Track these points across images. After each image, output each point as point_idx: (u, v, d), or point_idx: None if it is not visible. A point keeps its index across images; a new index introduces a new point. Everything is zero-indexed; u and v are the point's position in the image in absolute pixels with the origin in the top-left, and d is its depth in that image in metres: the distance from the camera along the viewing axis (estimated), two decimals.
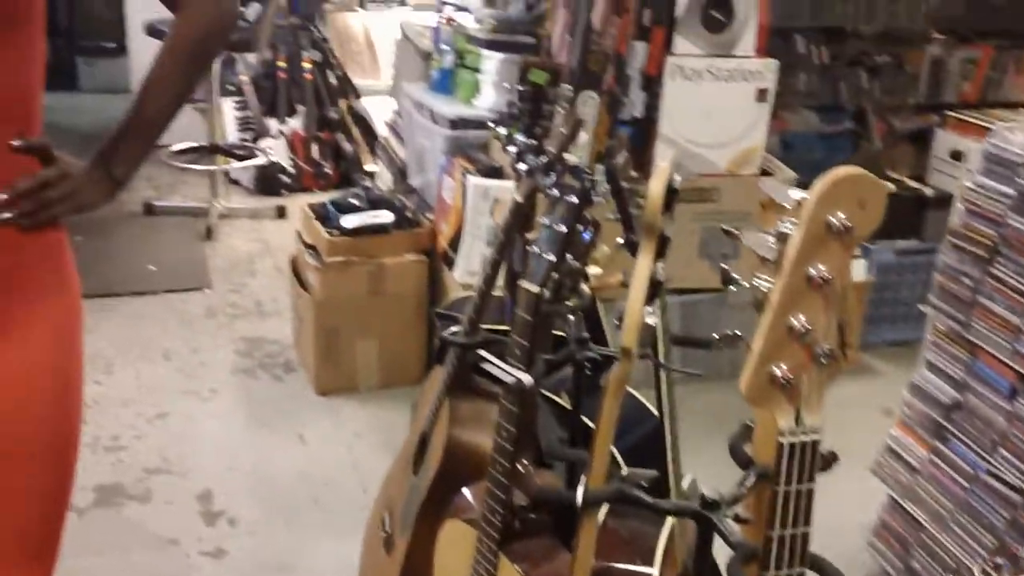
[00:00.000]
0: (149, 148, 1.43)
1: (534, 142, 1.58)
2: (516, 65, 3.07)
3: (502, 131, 1.63)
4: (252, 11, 4.11)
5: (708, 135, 2.83)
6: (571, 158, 1.56)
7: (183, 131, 4.91)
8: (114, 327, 3.37)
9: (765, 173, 2.97)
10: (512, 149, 1.60)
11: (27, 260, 1.30)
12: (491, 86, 3.19)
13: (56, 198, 1.30)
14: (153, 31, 4.13)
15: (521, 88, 1.63)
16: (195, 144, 4.63)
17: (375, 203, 3.12)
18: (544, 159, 1.56)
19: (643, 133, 2.81)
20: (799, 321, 0.81)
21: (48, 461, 1.34)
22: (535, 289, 1.34)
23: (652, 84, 2.78)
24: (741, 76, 2.80)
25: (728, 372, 2.66)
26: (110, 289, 3.61)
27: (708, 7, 2.71)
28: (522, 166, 1.59)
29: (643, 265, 1.09)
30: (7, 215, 1.25)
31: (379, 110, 4.89)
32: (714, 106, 2.80)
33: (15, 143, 1.25)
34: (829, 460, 0.92)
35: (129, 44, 5.42)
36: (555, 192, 1.35)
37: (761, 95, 2.83)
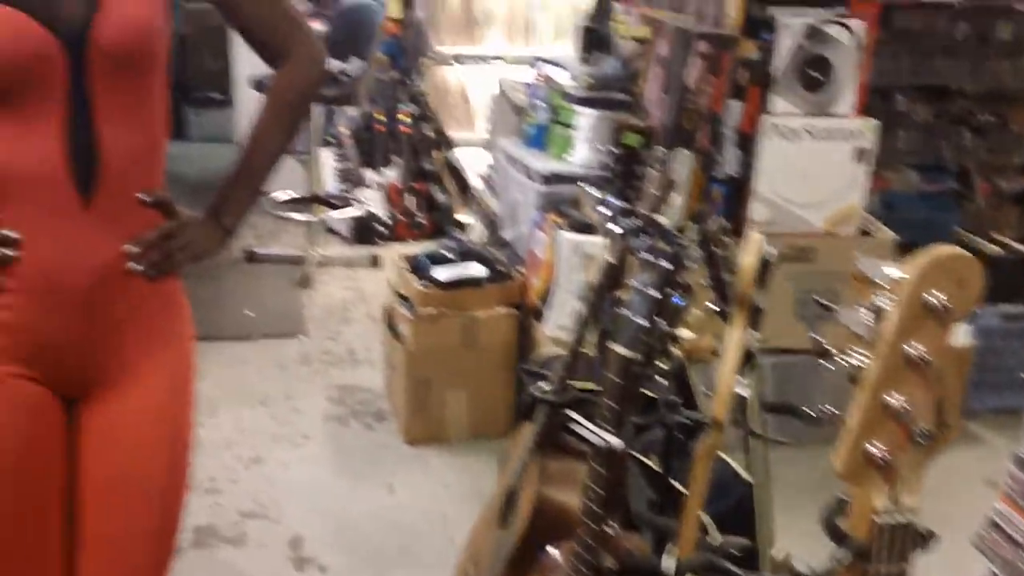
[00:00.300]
0: (255, 197, 1.53)
1: (626, 205, 1.59)
2: (610, 122, 3.09)
3: (595, 193, 1.64)
4: (354, 66, 4.21)
5: (804, 194, 2.81)
6: (662, 219, 1.56)
7: (285, 181, 5.03)
8: (216, 370, 3.44)
9: (864, 233, 2.93)
10: (605, 211, 1.61)
11: (148, 309, 1.39)
12: (585, 142, 3.21)
13: (177, 249, 1.39)
14: (257, 85, 4.25)
15: (615, 150, 1.65)
16: (296, 195, 4.74)
17: (467, 255, 3.15)
18: (636, 221, 1.56)
19: (737, 191, 2.79)
20: (896, 400, 0.80)
21: (161, 503, 1.41)
22: (626, 353, 1.34)
23: (747, 143, 2.76)
24: (839, 135, 2.78)
25: (823, 438, 2.61)
26: (212, 333, 3.70)
27: (805, 66, 2.70)
28: (614, 228, 1.60)
29: (735, 336, 1.09)
30: (137, 266, 1.33)
31: (473, 162, 4.95)
32: (811, 165, 2.78)
33: (142, 197, 1.34)
34: (926, 539, 0.90)
35: (235, 96, 5.61)
36: (647, 256, 1.36)
37: (860, 155, 2.79)
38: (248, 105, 3.89)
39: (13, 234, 1.28)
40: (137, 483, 1.38)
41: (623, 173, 1.67)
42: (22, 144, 1.28)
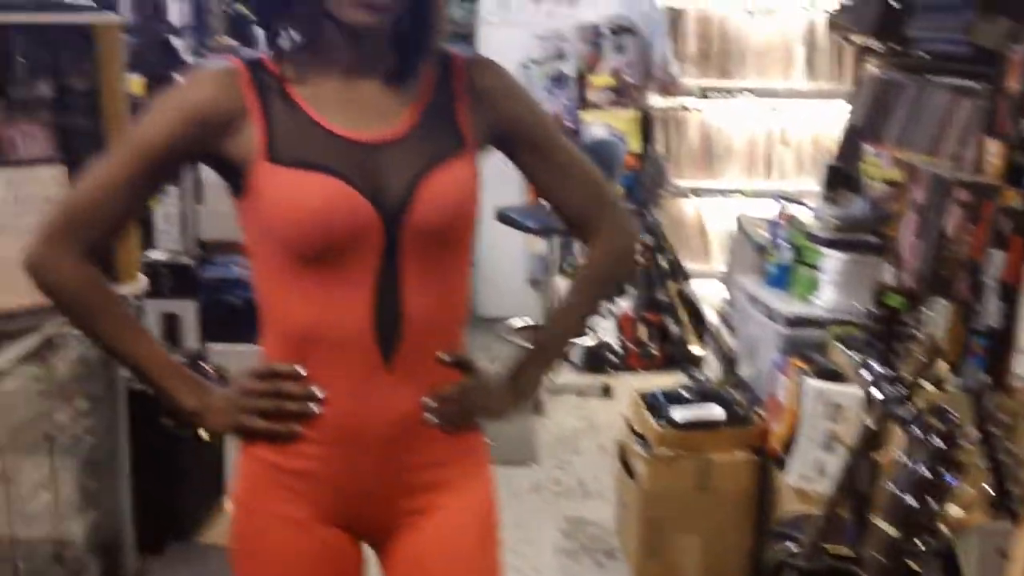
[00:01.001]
0: (553, 365, 1.62)
1: (890, 372, 1.54)
2: (859, 266, 3.02)
3: (856, 357, 1.60)
4: None
5: None
6: (929, 387, 1.51)
7: (520, 308, 5.15)
8: None
9: None
10: (866, 375, 1.57)
11: (447, 454, 1.47)
12: (831, 285, 3.14)
13: (474, 406, 1.48)
14: (503, 218, 4.39)
15: (875, 310, 1.61)
16: (531, 322, 4.84)
17: (705, 396, 3.12)
18: (900, 389, 1.52)
19: (999, 344, 2.66)
20: None
21: None
22: (890, 531, 1.29)
23: (1010, 294, 2.64)
24: None
25: None
26: None
27: None
28: (876, 393, 1.56)
29: None
30: (434, 419, 1.42)
31: (708, 296, 4.93)
32: None
33: (443, 358, 1.43)
34: None
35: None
36: (917, 432, 1.31)
37: None
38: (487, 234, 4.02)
39: (319, 391, 1.39)
40: None
41: (884, 335, 1.63)
42: (334, 306, 1.37)
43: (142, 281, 2.17)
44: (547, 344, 1.58)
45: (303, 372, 1.39)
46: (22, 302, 1.88)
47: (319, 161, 1.34)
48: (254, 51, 3.47)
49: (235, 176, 1.39)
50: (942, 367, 1.64)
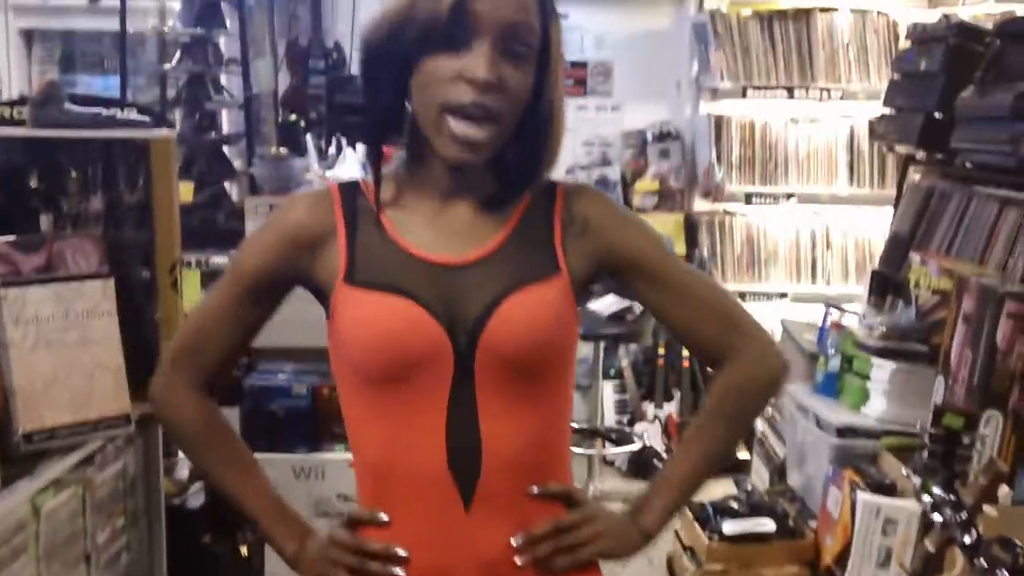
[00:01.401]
0: (684, 502, 1.48)
1: (951, 496, 1.50)
2: (909, 376, 2.97)
3: (916, 480, 1.56)
4: (639, 306, 4.29)
5: None
6: (992, 512, 1.47)
7: None
8: None
9: None
10: (927, 499, 1.53)
11: None
12: (881, 395, 3.09)
13: (579, 543, 1.36)
14: None
15: (934, 431, 1.58)
16: (576, 426, 4.79)
17: (755, 507, 3.05)
18: (961, 514, 1.47)
19: None
20: None
21: None
22: None
23: None
24: None
25: None
26: None
27: None
28: (937, 518, 1.51)
29: None
30: (525, 559, 1.33)
31: None
32: None
33: (536, 491, 1.35)
34: None
35: None
36: (983, 564, 1.27)
37: None
38: None
39: (400, 551, 1.33)
40: None
41: (944, 456, 1.59)
42: (405, 436, 1.33)
43: None
44: (675, 479, 1.44)
45: (385, 518, 1.35)
46: (63, 419, 1.89)
47: (393, 283, 1.32)
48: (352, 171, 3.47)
49: (323, 299, 1.40)
50: (1004, 491, 1.59)
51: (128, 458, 2.13)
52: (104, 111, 2.14)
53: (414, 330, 1.31)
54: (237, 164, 4.96)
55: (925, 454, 1.61)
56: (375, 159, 1.40)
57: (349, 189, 1.42)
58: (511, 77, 1.30)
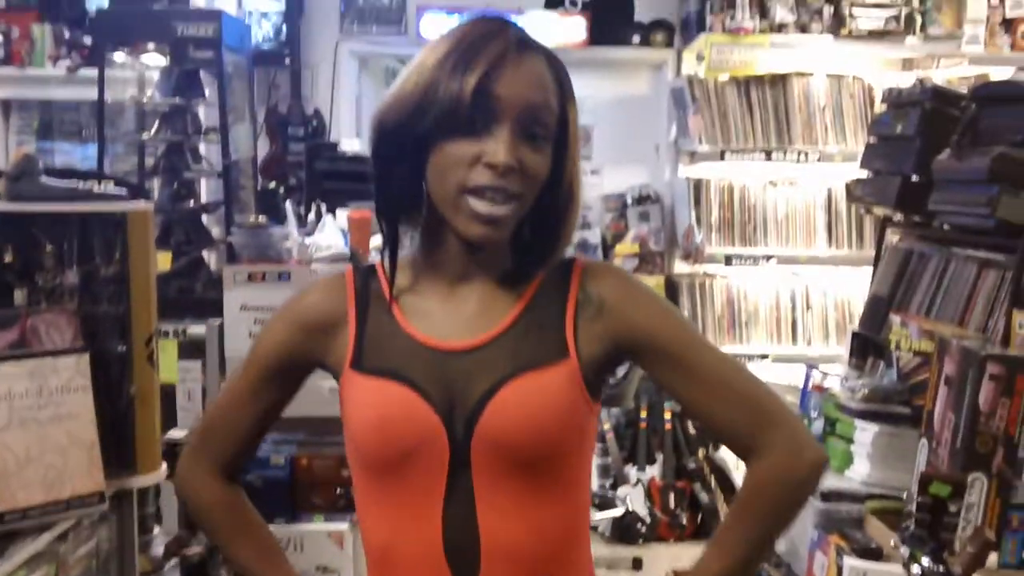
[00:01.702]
0: None
1: (940, 567, 1.48)
2: (893, 438, 2.96)
3: (904, 550, 1.54)
4: (621, 368, 4.27)
5: None
6: None
7: None
8: None
9: None
10: (915, 570, 1.51)
11: None
12: (865, 458, 3.07)
13: None
14: None
15: (920, 500, 1.56)
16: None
17: None
18: None
19: None
20: None
21: None
22: None
23: None
24: None
25: None
26: None
27: None
28: None
29: None
30: None
31: (738, 461, 4.84)
32: None
33: None
34: None
35: None
36: None
37: None
38: None
39: None
40: None
41: (931, 525, 1.57)
42: (403, 526, 1.31)
43: (162, 470, 2.14)
44: None
45: None
46: (36, 499, 1.85)
47: (395, 369, 1.31)
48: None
49: (337, 382, 1.39)
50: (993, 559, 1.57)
51: (102, 535, 2.09)
52: (81, 184, 2.13)
53: (407, 417, 1.29)
54: (216, 232, 4.95)
55: (912, 523, 1.59)
56: (391, 241, 1.38)
57: (363, 274, 1.42)
58: (530, 159, 1.30)
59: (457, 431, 1.29)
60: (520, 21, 5.65)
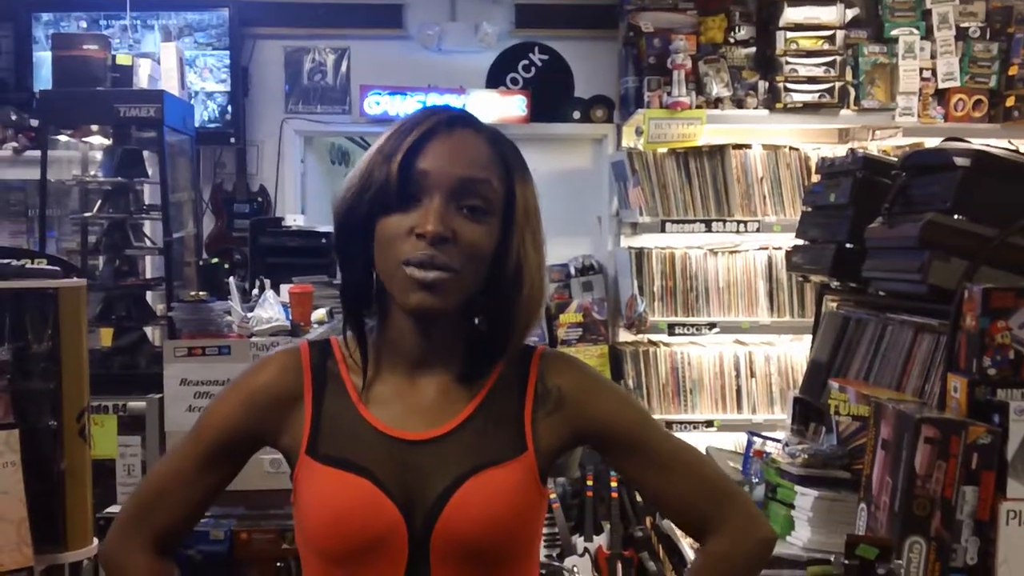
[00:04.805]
0: None
1: None
2: (832, 503, 2.99)
3: None
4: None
5: None
6: None
7: None
8: None
9: None
10: None
11: None
12: (806, 522, 3.09)
13: None
14: None
15: (847, 562, 1.57)
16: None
17: None
18: None
19: None
20: None
21: None
22: None
23: (985, 530, 2.60)
24: None
25: None
26: None
27: None
28: None
29: None
30: None
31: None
32: None
33: None
34: None
35: None
36: None
37: None
38: None
39: None
40: None
41: None
42: None
43: (94, 545, 2.10)
44: None
45: None
46: None
47: (353, 460, 1.30)
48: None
49: (290, 463, 1.37)
50: None
51: None
52: (15, 262, 2.12)
53: (368, 511, 1.28)
54: (159, 309, 4.92)
55: None
56: (355, 329, 1.38)
57: (320, 349, 1.40)
58: (466, 229, 1.30)
59: (416, 526, 1.28)
60: (462, 100, 5.77)
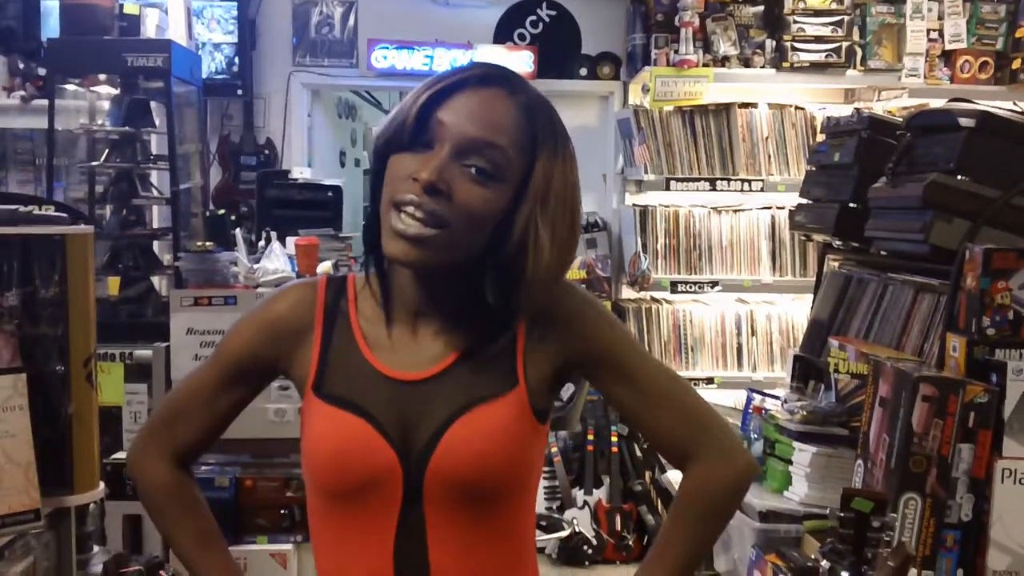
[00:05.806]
0: None
1: None
2: (830, 459, 3.02)
3: (824, 565, 1.58)
4: (567, 392, 4.31)
5: None
6: None
7: None
8: None
9: None
10: None
11: None
12: (803, 478, 3.12)
13: None
14: None
15: (843, 515, 1.60)
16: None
17: None
18: None
19: (972, 538, 2.63)
20: None
21: None
22: None
23: (981, 487, 2.63)
24: None
25: None
26: None
27: None
28: None
29: None
30: None
31: None
32: None
33: None
34: None
35: None
36: None
37: None
38: None
39: None
40: None
41: (854, 541, 1.61)
42: (353, 555, 1.32)
43: (100, 488, 2.13)
44: None
45: None
46: None
47: (352, 399, 1.32)
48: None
49: (300, 396, 1.41)
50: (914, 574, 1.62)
51: (38, 554, 2.08)
52: (22, 208, 2.13)
53: (363, 451, 1.30)
54: (165, 259, 4.94)
55: (836, 540, 1.64)
56: (376, 266, 1.39)
57: (336, 286, 1.43)
58: (464, 188, 1.28)
59: (411, 466, 1.30)
60: (469, 55, 5.72)
